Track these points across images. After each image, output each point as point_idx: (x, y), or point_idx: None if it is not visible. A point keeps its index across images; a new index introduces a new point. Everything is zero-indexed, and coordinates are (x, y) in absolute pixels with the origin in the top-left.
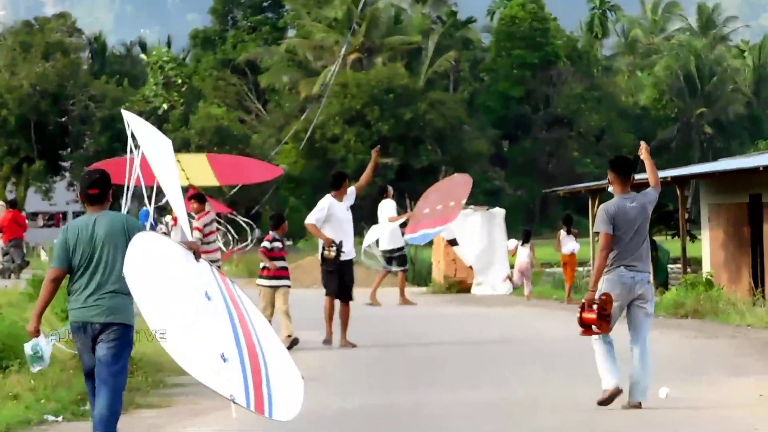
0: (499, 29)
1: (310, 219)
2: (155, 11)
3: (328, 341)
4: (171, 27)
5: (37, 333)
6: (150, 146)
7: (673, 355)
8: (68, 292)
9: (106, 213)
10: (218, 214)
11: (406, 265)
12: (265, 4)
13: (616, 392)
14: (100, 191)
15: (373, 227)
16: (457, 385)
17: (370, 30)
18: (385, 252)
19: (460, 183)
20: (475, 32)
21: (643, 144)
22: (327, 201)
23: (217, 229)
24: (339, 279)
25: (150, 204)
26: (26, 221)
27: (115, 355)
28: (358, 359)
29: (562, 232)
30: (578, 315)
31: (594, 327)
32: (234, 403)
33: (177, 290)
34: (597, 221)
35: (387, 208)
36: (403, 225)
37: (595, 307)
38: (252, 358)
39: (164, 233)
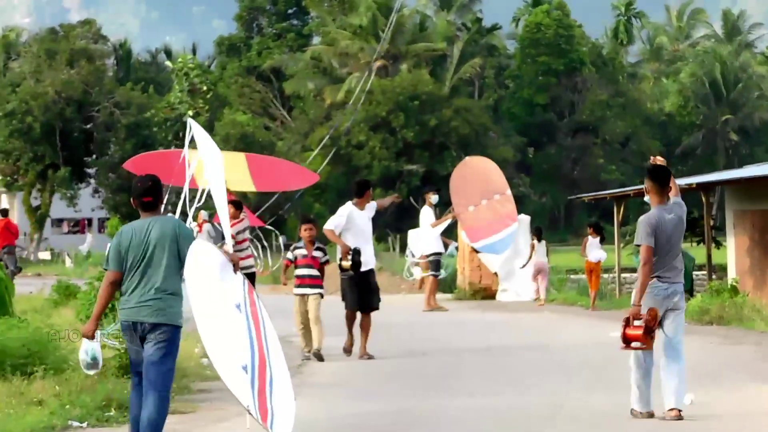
0: (524, 36)
1: (329, 225)
2: (181, 18)
3: (347, 350)
4: (196, 34)
5: (93, 336)
6: (207, 153)
7: (697, 362)
8: (121, 293)
9: (159, 218)
10: (252, 228)
11: (439, 270)
12: (290, 11)
13: (649, 416)
14: (154, 198)
15: (411, 233)
16: (478, 391)
17: (395, 37)
18: (422, 257)
19: (485, 170)
20: (500, 39)
21: (657, 158)
22: (347, 208)
23: (251, 240)
24: (358, 291)
25: (189, 207)
26: (18, 229)
27: (163, 356)
28: (379, 365)
29: (590, 238)
30: (622, 331)
31: (637, 343)
32: (249, 413)
33: (218, 299)
34: (639, 233)
35: (426, 215)
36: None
37: (640, 322)
38: (261, 372)
39: None
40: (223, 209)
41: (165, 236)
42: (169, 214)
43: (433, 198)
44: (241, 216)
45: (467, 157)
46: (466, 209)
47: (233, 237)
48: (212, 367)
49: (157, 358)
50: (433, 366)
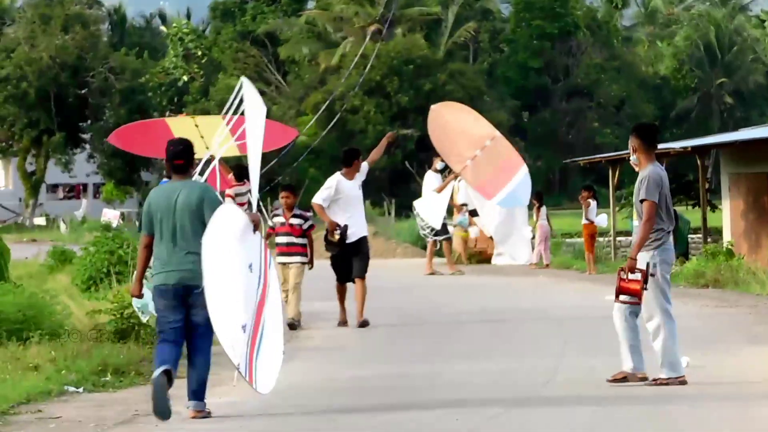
0: (518, 0)
1: (317, 198)
2: None
3: (343, 323)
4: None
5: (140, 294)
6: (253, 114)
7: (693, 325)
8: (153, 257)
9: (187, 182)
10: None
11: (448, 233)
12: None
13: (643, 378)
14: (185, 161)
15: (418, 202)
16: (475, 355)
17: (389, 1)
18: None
19: (461, 116)
20: (495, 3)
21: None
22: (335, 179)
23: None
24: (348, 262)
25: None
26: None
27: (207, 317)
28: (375, 329)
29: (592, 202)
30: (618, 283)
31: (628, 296)
32: (237, 371)
33: (232, 258)
34: (645, 189)
35: (430, 180)
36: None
37: (639, 276)
38: (254, 332)
39: None
40: (255, 173)
41: (191, 202)
42: (196, 178)
43: (439, 164)
44: (245, 181)
45: (434, 106)
46: (465, 164)
47: (232, 197)
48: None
49: (203, 320)
50: (429, 330)
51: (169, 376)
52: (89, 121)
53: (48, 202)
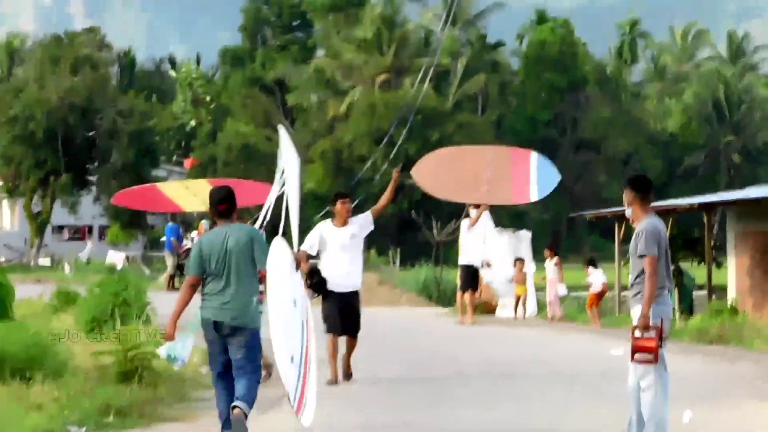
0: (528, 53)
1: (302, 246)
2: (185, 28)
3: (332, 382)
4: (201, 44)
5: (173, 337)
6: (289, 161)
7: (696, 380)
8: (202, 295)
9: (235, 225)
10: None
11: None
12: (294, 23)
13: None
14: (228, 206)
15: (468, 251)
16: (480, 404)
17: (399, 51)
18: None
19: (450, 157)
20: (504, 56)
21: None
22: (319, 228)
23: None
24: (340, 313)
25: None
26: None
27: (247, 358)
28: (379, 376)
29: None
30: (632, 342)
31: (645, 355)
32: (289, 401)
33: (282, 293)
34: (645, 244)
35: (465, 224)
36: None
37: (653, 334)
38: (305, 366)
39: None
40: (295, 217)
41: (241, 243)
42: (241, 223)
43: (473, 212)
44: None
45: (413, 173)
46: (484, 192)
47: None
48: (210, 375)
49: (243, 361)
50: (434, 378)
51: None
52: (96, 163)
53: (53, 243)
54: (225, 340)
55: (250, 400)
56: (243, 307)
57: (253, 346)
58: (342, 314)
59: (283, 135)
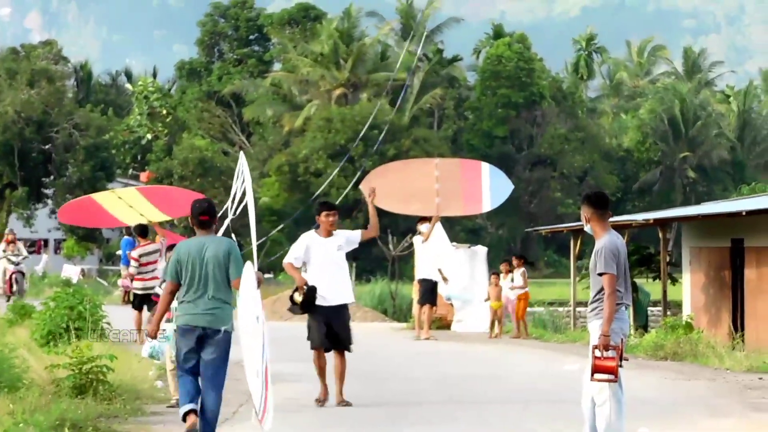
0: (484, 68)
1: (288, 257)
2: (142, 41)
3: (321, 400)
4: (157, 58)
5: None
6: (247, 183)
7: (652, 396)
8: (179, 302)
9: (214, 237)
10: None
11: (434, 297)
12: (251, 37)
13: None
14: (210, 218)
15: (425, 265)
16: (436, 420)
17: (356, 65)
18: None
19: (396, 171)
20: (461, 70)
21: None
22: (304, 239)
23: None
24: (327, 326)
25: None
26: None
27: (221, 357)
28: (333, 393)
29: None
30: (592, 362)
31: (605, 375)
32: (255, 413)
33: (249, 311)
34: (603, 262)
35: (419, 246)
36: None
37: (613, 353)
38: (266, 377)
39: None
40: (254, 232)
41: (219, 254)
42: (221, 235)
43: (423, 227)
44: (148, 239)
45: (361, 187)
46: (435, 204)
47: (136, 259)
48: (166, 390)
49: (217, 359)
50: (390, 395)
51: (195, 413)
52: (52, 177)
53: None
54: (199, 344)
55: (215, 420)
56: (219, 313)
57: (226, 349)
58: (328, 329)
59: (243, 160)
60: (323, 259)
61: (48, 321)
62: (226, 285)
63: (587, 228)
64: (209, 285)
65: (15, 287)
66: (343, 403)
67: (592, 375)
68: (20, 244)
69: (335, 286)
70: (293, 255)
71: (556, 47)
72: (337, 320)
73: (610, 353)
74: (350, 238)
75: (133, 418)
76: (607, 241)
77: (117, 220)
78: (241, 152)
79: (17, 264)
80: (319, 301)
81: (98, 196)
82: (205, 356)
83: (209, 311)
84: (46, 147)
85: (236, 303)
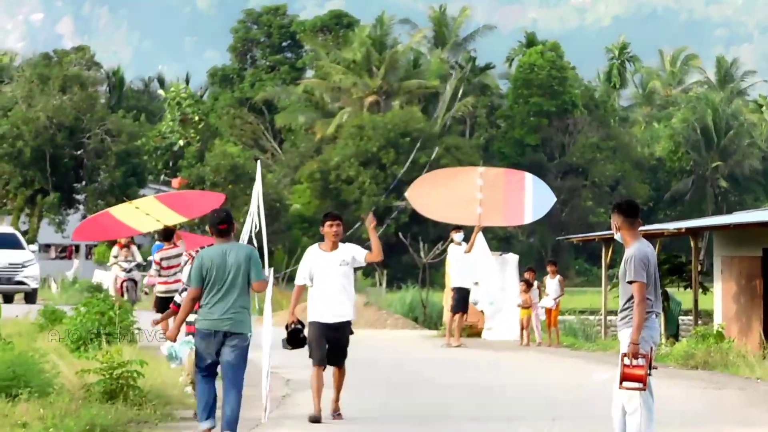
0: (517, 76)
1: (297, 280)
2: (174, 48)
3: (316, 419)
4: (189, 64)
5: (175, 339)
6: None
7: (682, 405)
8: (201, 306)
9: (234, 243)
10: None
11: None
12: (284, 44)
13: None
14: (228, 226)
15: (461, 274)
16: (466, 429)
17: (388, 73)
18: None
19: (431, 186)
20: (493, 79)
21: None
22: (307, 256)
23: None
24: (327, 344)
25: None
26: None
27: (240, 358)
28: (366, 401)
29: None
30: (621, 369)
31: (634, 383)
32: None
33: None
34: (633, 270)
35: (454, 254)
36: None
37: (642, 361)
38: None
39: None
40: (264, 234)
41: (240, 261)
42: (243, 242)
43: (457, 236)
44: (172, 243)
45: (407, 194)
46: (477, 215)
47: (157, 263)
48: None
49: (236, 362)
50: (419, 403)
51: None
52: (84, 182)
53: (39, 261)
54: (220, 347)
55: (236, 420)
56: (239, 317)
57: (245, 352)
58: (330, 344)
59: (259, 168)
60: (324, 276)
61: (79, 326)
62: (246, 291)
63: (617, 236)
64: (231, 291)
65: (126, 296)
66: (337, 411)
67: (621, 383)
68: (134, 249)
69: (334, 305)
70: (300, 275)
71: (588, 56)
72: (336, 338)
73: (640, 361)
74: (357, 256)
75: (162, 423)
76: (636, 249)
77: (133, 230)
78: (258, 161)
79: (129, 271)
80: (319, 318)
81: (116, 211)
82: (224, 358)
83: (230, 316)
84: (78, 153)
85: (256, 309)
